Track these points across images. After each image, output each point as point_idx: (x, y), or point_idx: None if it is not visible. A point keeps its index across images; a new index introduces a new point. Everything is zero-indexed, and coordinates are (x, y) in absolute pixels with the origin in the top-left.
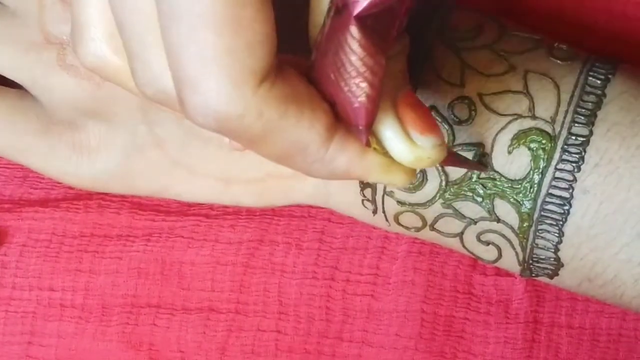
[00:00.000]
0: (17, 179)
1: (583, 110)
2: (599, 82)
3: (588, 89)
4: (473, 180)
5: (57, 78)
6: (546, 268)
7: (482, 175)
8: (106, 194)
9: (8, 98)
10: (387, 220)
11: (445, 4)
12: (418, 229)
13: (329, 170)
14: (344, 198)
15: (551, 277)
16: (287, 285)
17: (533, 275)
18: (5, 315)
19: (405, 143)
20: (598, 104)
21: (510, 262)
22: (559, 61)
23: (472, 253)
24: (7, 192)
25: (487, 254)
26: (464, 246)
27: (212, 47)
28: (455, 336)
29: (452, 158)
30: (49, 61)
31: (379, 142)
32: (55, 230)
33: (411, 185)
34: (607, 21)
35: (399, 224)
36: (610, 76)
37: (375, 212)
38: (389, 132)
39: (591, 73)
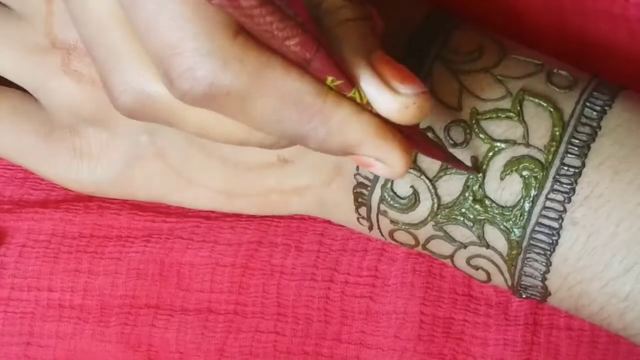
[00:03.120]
0: (18, 180)
1: (577, 141)
2: (595, 113)
3: (584, 119)
4: (464, 205)
5: (59, 83)
6: (534, 295)
7: (474, 200)
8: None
9: (11, 99)
10: (382, 235)
11: (445, 27)
12: (412, 246)
13: (327, 130)
14: (341, 214)
15: (541, 302)
16: (286, 286)
17: (524, 297)
18: (4, 315)
19: (388, 92)
20: (592, 136)
21: (500, 285)
22: (557, 89)
23: (464, 273)
24: (7, 193)
25: (478, 276)
26: (455, 267)
27: (181, 12)
28: (454, 338)
29: (441, 152)
30: (52, 65)
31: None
32: (54, 231)
33: (405, 205)
34: (607, 22)
35: (393, 239)
36: (607, 108)
37: (370, 228)
38: (370, 88)
39: (588, 103)
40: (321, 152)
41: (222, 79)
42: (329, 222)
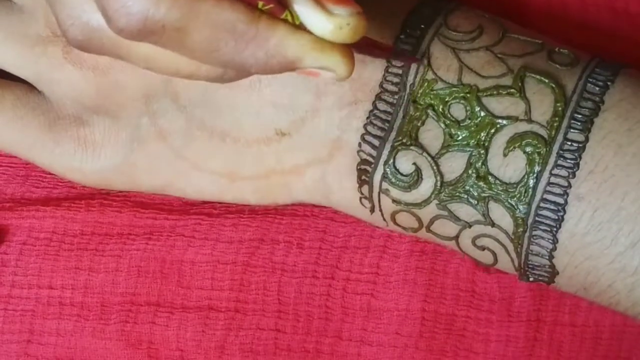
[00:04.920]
0: (19, 178)
1: (580, 116)
2: (597, 88)
3: (586, 95)
4: (468, 182)
5: (62, 72)
6: (542, 275)
7: (477, 177)
8: (108, 193)
9: (14, 92)
10: (384, 219)
11: (444, 9)
12: (415, 230)
13: (265, 53)
14: (343, 195)
15: (548, 284)
16: (287, 284)
17: (531, 280)
18: (4, 313)
19: (321, 13)
20: (595, 111)
21: (506, 267)
22: (558, 66)
23: (470, 256)
24: (8, 191)
25: (484, 258)
26: (460, 250)
27: None
28: (456, 334)
29: (385, 50)
30: (54, 55)
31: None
32: (55, 229)
33: (407, 183)
34: (610, 19)
35: (396, 223)
36: (609, 83)
37: (372, 210)
38: (303, 9)
39: (590, 79)
40: (265, 74)
41: (156, 13)
42: (331, 219)
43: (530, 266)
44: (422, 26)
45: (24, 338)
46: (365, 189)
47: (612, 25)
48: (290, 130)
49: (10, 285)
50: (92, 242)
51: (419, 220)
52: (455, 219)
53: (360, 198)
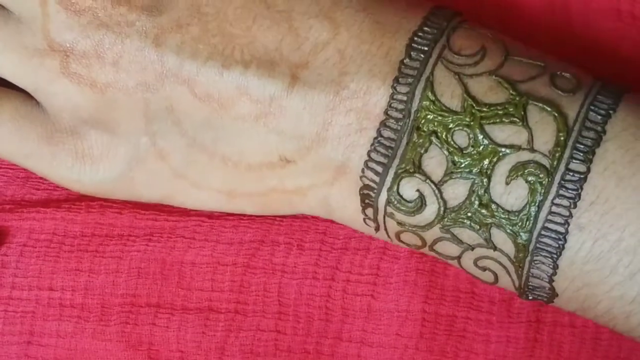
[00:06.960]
0: (20, 180)
1: (582, 146)
2: (599, 117)
3: (588, 124)
4: (470, 209)
5: (59, 86)
6: (541, 295)
7: (480, 204)
8: None
9: (13, 102)
10: (389, 237)
11: (446, 28)
12: (419, 247)
13: None
14: (347, 215)
15: (547, 304)
16: (287, 285)
17: (530, 299)
18: (4, 315)
19: None
20: (597, 141)
21: (507, 286)
22: (561, 92)
23: (471, 275)
24: (9, 193)
25: (485, 277)
26: (462, 268)
27: None
28: (456, 335)
29: None
30: (52, 68)
31: None
32: (56, 230)
33: (411, 208)
34: (615, 20)
35: (400, 241)
36: (611, 112)
37: (377, 229)
38: None
39: (592, 107)
40: None
41: None
42: (331, 220)
43: (531, 287)
44: (426, 49)
45: (24, 340)
46: (369, 211)
47: (617, 27)
48: (294, 157)
49: (11, 287)
50: (92, 243)
51: (423, 240)
52: (458, 241)
53: (364, 219)
